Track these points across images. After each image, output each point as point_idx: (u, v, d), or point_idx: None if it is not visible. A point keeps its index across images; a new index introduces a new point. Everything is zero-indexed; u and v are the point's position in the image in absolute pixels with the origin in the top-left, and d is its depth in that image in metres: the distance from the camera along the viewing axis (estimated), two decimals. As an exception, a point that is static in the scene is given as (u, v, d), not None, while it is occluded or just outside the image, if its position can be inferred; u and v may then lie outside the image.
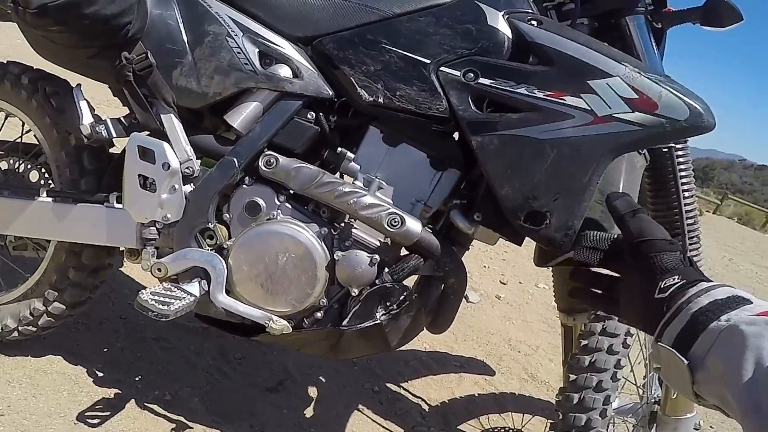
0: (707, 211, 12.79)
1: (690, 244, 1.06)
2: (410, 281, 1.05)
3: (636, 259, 0.65)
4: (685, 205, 1.05)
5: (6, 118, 1.21)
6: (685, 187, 1.05)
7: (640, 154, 1.02)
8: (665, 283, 0.61)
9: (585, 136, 0.86)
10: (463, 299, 2.24)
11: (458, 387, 1.69)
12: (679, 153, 1.04)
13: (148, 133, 0.99)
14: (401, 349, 1.14)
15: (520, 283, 2.81)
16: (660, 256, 0.63)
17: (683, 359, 0.53)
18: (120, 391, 1.24)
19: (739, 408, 0.49)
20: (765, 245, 9.88)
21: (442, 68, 0.93)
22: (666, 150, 1.03)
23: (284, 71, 0.99)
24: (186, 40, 0.98)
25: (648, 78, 0.87)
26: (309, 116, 0.99)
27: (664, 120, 0.85)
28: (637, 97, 0.86)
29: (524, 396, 1.74)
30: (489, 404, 1.65)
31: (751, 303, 0.54)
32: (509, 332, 2.15)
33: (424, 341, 1.85)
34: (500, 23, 0.93)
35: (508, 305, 2.48)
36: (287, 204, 0.99)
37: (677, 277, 0.61)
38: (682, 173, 1.04)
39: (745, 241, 9.47)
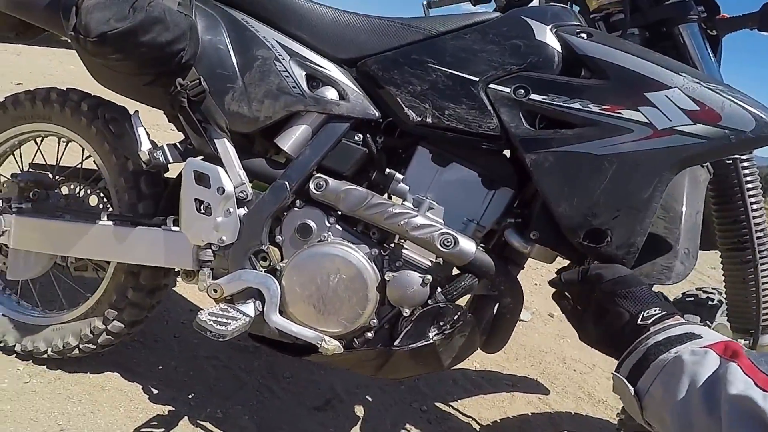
0: None
1: (760, 258, 1.01)
2: (463, 300, 1.03)
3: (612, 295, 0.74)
4: (754, 218, 0.99)
5: (67, 144, 1.27)
6: (753, 199, 1.00)
7: (703, 167, 0.98)
8: (647, 313, 0.68)
9: (645, 150, 0.83)
10: (514, 317, 2.20)
11: (511, 406, 1.64)
12: (745, 164, 1.00)
13: (203, 157, 1.01)
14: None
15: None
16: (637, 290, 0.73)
17: (631, 387, 0.61)
18: (174, 408, 1.27)
19: (674, 428, 0.55)
20: None
21: (491, 85, 0.92)
22: (730, 162, 0.98)
23: (331, 93, 1.00)
24: (236, 65, 1.01)
25: (708, 88, 0.83)
26: (356, 138, 1.00)
27: (729, 131, 0.81)
28: (698, 108, 0.82)
29: (581, 415, 1.67)
30: (544, 424, 1.59)
31: (701, 338, 0.60)
32: (563, 350, 2.08)
33: (474, 361, 1.80)
34: (549, 37, 0.92)
35: (562, 323, 2.39)
36: (338, 225, 0.99)
37: (657, 308, 0.69)
38: (749, 185, 1.00)
39: None
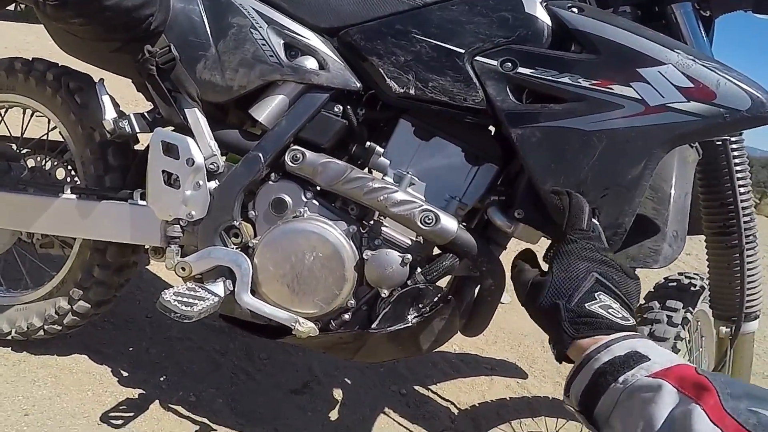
0: None
1: (746, 243, 0.99)
2: (443, 282, 1.00)
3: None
4: (741, 201, 0.97)
5: (32, 115, 1.21)
6: (741, 182, 0.97)
7: (691, 147, 0.95)
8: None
9: (636, 127, 0.80)
10: (495, 300, 2.19)
11: (489, 390, 1.63)
12: (734, 146, 0.97)
13: (172, 128, 0.96)
14: None
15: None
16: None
17: (584, 419, 0.57)
18: (144, 392, 1.22)
19: None
20: None
21: (477, 58, 0.88)
22: (720, 143, 0.96)
23: (310, 63, 0.95)
24: (209, 33, 0.96)
25: (703, 65, 0.80)
26: (336, 109, 0.95)
27: (723, 110, 0.78)
28: (692, 85, 0.79)
29: (558, 400, 1.67)
30: (521, 408, 1.59)
31: (649, 360, 0.54)
32: (542, 334, 2.06)
33: (454, 343, 1.79)
34: (539, 10, 0.88)
35: None
36: (314, 201, 0.95)
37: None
38: (738, 167, 0.97)
39: None
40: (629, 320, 0.62)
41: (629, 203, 0.82)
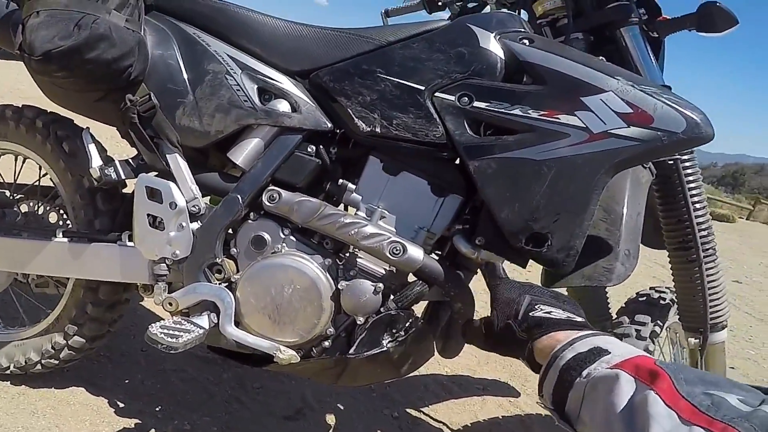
0: (740, 218, 12.48)
1: (705, 257, 1.03)
2: (420, 306, 1.05)
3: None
4: (696, 216, 1.02)
5: (24, 162, 1.27)
6: (695, 198, 1.02)
7: (645, 168, 1.00)
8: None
9: (581, 154, 0.85)
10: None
11: (482, 410, 1.65)
12: (686, 164, 1.02)
13: (156, 173, 1.02)
14: (422, 373, 1.12)
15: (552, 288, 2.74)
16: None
17: (557, 415, 0.62)
18: (140, 422, 1.26)
19: None
20: None
21: (436, 94, 0.93)
22: (671, 162, 1.01)
23: (283, 106, 1.01)
24: (187, 80, 1.01)
25: (642, 90, 0.85)
26: (309, 149, 1.01)
27: (661, 133, 0.83)
28: (632, 111, 0.84)
29: (551, 418, 1.69)
30: (515, 427, 1.61)
31: (609, 353, 0.58)
32: (532, 352, 2.10)
33: (445, 365, 1.82)
34: (492, 44, 0.93)
35: None
36: (292, 237, 1.00)
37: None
38: (691, 185, 1.02)
39: None
40: (576, 318, 0.67)
41: (579, 226, 0.86)
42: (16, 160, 1.26)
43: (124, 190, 1.20)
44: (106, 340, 1.30)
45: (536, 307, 0.69)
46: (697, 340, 1.08)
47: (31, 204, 1.25)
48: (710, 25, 0.98)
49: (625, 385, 0.52)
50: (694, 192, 1.02)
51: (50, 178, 1.19)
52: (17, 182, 1.28)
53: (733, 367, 2.51)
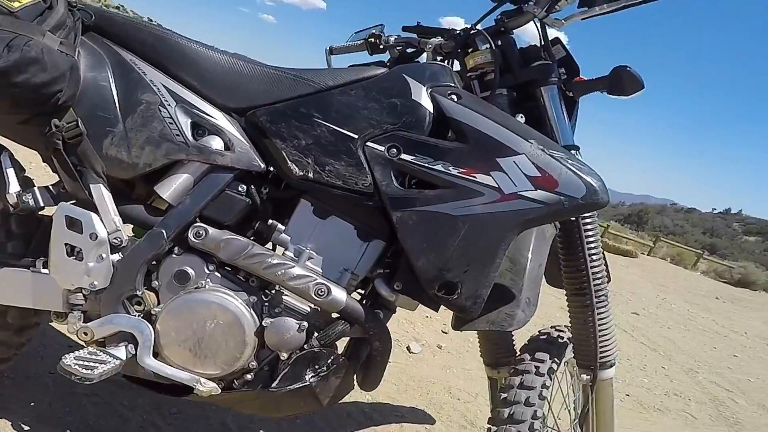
0: (642, 253, 13.58)
1: (597, 302, 1.14)
2: (342, 342, 1.09)
3: None
4: (592, 267, 1.13)
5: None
6: (592, 252, 1.13)
7: (549, 223, 1.10)
8: None
9: (492, 213, 0.93)
10: (406, 350, 2.31)
11: (399, 437, 1.72)
12: (587, 221, 1.13)
13: (76, 202, 0.99)
14: (344, 401, 1.16)
15: (461, 332, 2.86)
16: None
17: None
18: (47, 449, 1.21)
19: None
20: (695, 283, 10.49)
21: (368, 143, 0.97)
22: (573, 219, 1.12)
23: (216, 143, 1.00)
24: (118, 108, 0.98)
25: (551, 155, 0.94)
26: (240, 188, 1.01)
27: (563, 197, 0.93)
28: (540, 175, 0.93)
29: (463, 446, 1.79)
30: (428, 452, 1.68)
31: None
32: (449, 381, 2.20)
33: (366, 394, 1.86)
34: (423, 97, 0.98)
35: (449, 354, 2.54)
36: (217, 273, 1.01)
37: None
38: (589, 239, 1.13)
39: (678, 280, 10.03)
40: None
41: (486, 277, 0.95)
42: None
43: (41, 213, 1.15)
44: (11, 363, 1.24)
45: None
46: (589, 377, 1.19)
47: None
48: (619, 88, 1.08)
49: None
50: (592, 246, 1.13)
51: (-42, 197, 1.11)
52: None
53: (628, 395, 2.74)
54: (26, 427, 1.24)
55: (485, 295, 0.95)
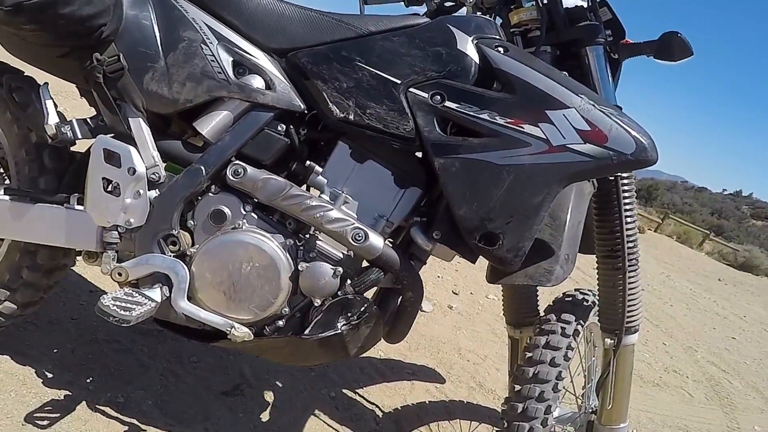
0: (649, 229, 13.55)
1: (629, 266, 1.14)
2: (370, 292, 1.08)
3: None
4: (627, 230, 1.12)
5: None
6: (628, 213, 1.12)
7: (588, 181, 1.09)
8: None
9: (539, 164, 0.92)
10: (418, 309, 2.31)
11: (410, 394, 1.73)
12: (625, 182, 1.12)
13: (115, 135, 0.98)
14: None
15: (471, 293, 2.89)
16: None
17: None
18: (70, 393, 1.22)
19: None
20: (700, 263, 10.54)
21: (411, 89, 0.96)
22: (612, 179, 1.10)
23: (257, 82, 1.00)
24: (160, 45, 0.98)
25: (601, 110, 0.92)
26: (279, 128, 1.01)
27: (612, 152, 0.91)
28: (589, 129, 0.91)
29: (472, 404, 1.81)
30: (439, 412, 1.70)
31: None
32: (459, 341, 2.22)
33: (379, 349, 1.88)
34: (469, 48, 0.97)
35: (459, 315, 2.56)
36: (253, 214, 1.00)
37: None
38: (626, 201, 1.12)
39: (682, 259, 10.07)
40: None
41: (529, 230, 0.94)
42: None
43: (73, 149, 1.14)
44: (37, 307, 1.23)
45: None
46: (612, 341, 1.19)
47: (-35, 155, 1.15)
48: (668, 53, 1.06)
49: None
50: (627, 207, 1.12)
51: (-9, 129, 1.10)
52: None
53: (629, 369, 2.76)
54: (50, 375, 1.24)
55: (527, 248, 0.94)
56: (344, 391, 1.62)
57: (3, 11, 0.83)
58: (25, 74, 1.09)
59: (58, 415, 1.14)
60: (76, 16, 0.86)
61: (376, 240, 0.98)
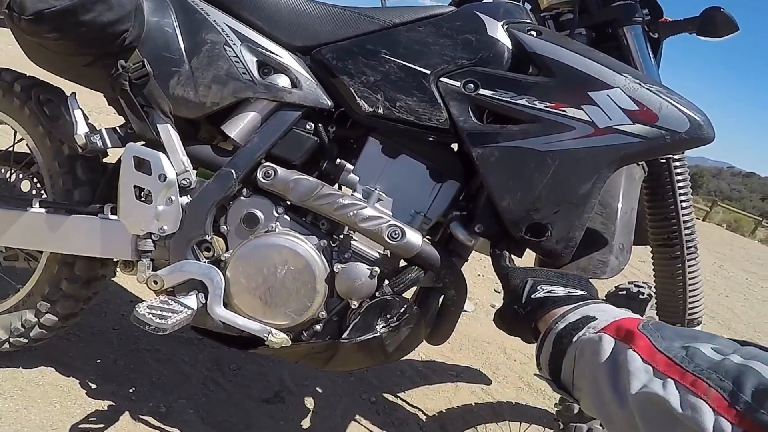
0: (697, 218, 13.00)
1: (688, 254, 1.07)
2: (409, 293, 1.04)
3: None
4: (683, 215, 1.05)
5: (-2, 127, 1.19)
6: (683, 198, 1.05)
7: (638, 165, 1.02)
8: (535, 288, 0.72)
9: (586, 148, 0.86)
10: (460, 308, 2.25)
11: (455, 396, 1.68)
12: (677, 164, 1.05)
13: (144, 143, 0.97)
14: None
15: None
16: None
17: (555, 385, 0.62)
18: (114, 403, 1.22)
19: (602, 420, 0.56)
20: (753, 251, 10.04)
21: (442, 79, 0.92)
22: (664, 161, 1.03)
23: (283, 81, 0.98)
24: (183, 49, 0.97)
25: (648, 89, 0.86)
26: (308, 127, 0.98)
27: (665, 132, 0.84)
28: (637, 108, 0.85)
29: (521, 405, 1.74)
30: (486, 413, 1.64)
31: (596, 320, 0.61)
32: (504, 341, 2.15)
33: (420, 352, 1.83)
34: (500, 33, 0.92)
35: None
36: (286, 216, 0.97)
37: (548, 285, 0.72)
38: (680, 184, 1.05)
39: (734, 248, 9.61)
40: (577, 292, 0.69)
41: (579, 218, 0.88)
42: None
43: (105, 160, 1.14)
44: (79, 319, 1.24)
45: (538, 288, 0.71)
46: (674, 335, 1.12)
47: (2, 170, 1.17)
48: (711, 29, 1.00)
49: (607, 346, 0.55)
50: (682, 191, 1.05)
51: (26, 144, 1.12)
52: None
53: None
54: (93, 385, 1.26)
55: (578, 238, 0.88)
56: (385, 395, 1.58)
57: (25, 20, 0.83)
58: (53, 86, 1.10)
59: (102, 425, 1.14)
60: (98, 22, 0.86)
61: (414, 237, 0.94)
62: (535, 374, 0.69)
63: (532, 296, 0.71)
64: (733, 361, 0.47)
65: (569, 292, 0.69)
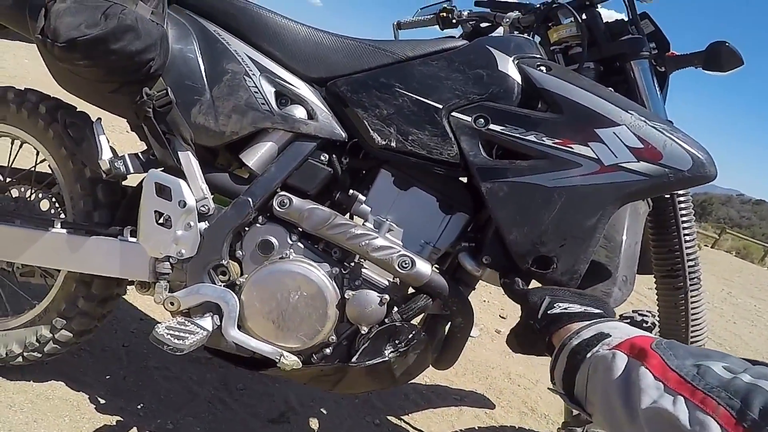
0: (705, 245, 13.04)
1: (691, 285, 1.09)
2: (417, 319, 1.06)
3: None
4: (687, 248, 1.07)
5: (21, 146, 1.23)
6: (686, 231, 1.08)
7: (643, 200, 1.05)
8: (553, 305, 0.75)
9: (592, 184, 0.88)
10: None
11: (458, 420, 1.68)
12: (681, 199, 1.08)
13: (165, 169, 1.00)
14: None
15: (519, 317, 2.80)
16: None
17: (567, 399, 0.64)
18: (122, 419, 1.24)
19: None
20: (763, 279, 9.97)
21: (453, 113, 0.95)
22: (668, 197, 1.06)
23: (300, 112, 1.01)
24: (205, 78, 0.99)
25: (653, 127, 0.89)
26: (322, 158, 1.01)
27: (668, 170, 0.87)
28: (642, 146, 0.88)
29: (524, 429, 1.74)
30: (490, 438, 1.65)
31: (610, 336, 0.62)
32: (509, 366, 2.15)
33: (425, 375, 1.84)
34: (510, 69, 0.95)
35: None
36: (299, 243, 1.00)
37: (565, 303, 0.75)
38: (684, 218, 1.08)
39: (743, 275, 9.55)
40: (592, 310, 0.71)
41: (584, 252, 0.90)
42: (12, 143, 1.22)
43: (124, 183, 1.17)
44: (92, 335, 1.27)
45: (554, 305, 0.73)
46: (677, 364, 1.14)
47: (23, 189, 1.21)
48: (716, 64, 1.03)
49: (620, 363, 0.56)
50: (686, 225, 1.07)
51: (48, 165, 1.15)
52: (11, 167, 1.24)
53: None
54: (102, 401, 1.27)
55: (582, 271, 0.91)
56: (389, 418, 1.59)
57: (58, 47, 0.86)
58: (78, 110, 1.13)
59: (110, 442, 1.16)
60: (126, 51, 0.89)
61: (424, 267, 0.96)
62: (548, 388, 0.72)
63: (549, 312, 0.73)
64: (743, 380, 0.48)
65: (585, 310, 0.71)
